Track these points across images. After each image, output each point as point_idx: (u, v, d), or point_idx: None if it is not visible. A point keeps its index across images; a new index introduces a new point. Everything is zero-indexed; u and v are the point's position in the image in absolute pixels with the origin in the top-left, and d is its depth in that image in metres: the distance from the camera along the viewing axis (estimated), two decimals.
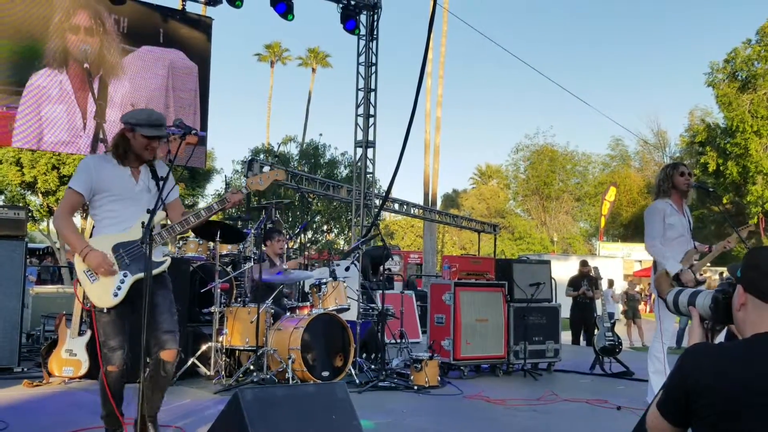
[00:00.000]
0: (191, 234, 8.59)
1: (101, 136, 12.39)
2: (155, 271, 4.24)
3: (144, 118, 4.35)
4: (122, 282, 4.28)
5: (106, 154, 4.50)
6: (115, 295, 4.27)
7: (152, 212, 4.13)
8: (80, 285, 4.36)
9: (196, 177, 27.10)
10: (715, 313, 2.13)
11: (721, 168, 32.80)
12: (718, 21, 71.27)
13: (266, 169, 4.78)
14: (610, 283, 17.29)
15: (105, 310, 4.29)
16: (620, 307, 17.76)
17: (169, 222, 4.51)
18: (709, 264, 6.30)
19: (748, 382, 1.87)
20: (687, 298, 2.26)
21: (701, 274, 5.96)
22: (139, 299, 4.08)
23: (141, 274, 4.20)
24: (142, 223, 4.07)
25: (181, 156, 4.56)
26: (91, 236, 4.50)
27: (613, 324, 9.71)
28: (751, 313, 2.01)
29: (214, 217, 5.17)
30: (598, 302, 11.97)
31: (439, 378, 7.67)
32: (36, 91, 11.78)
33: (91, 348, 7.18)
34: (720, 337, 2.24)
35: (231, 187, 30.39)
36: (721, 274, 19.76)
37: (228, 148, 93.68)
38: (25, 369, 7.75)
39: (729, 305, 2.08)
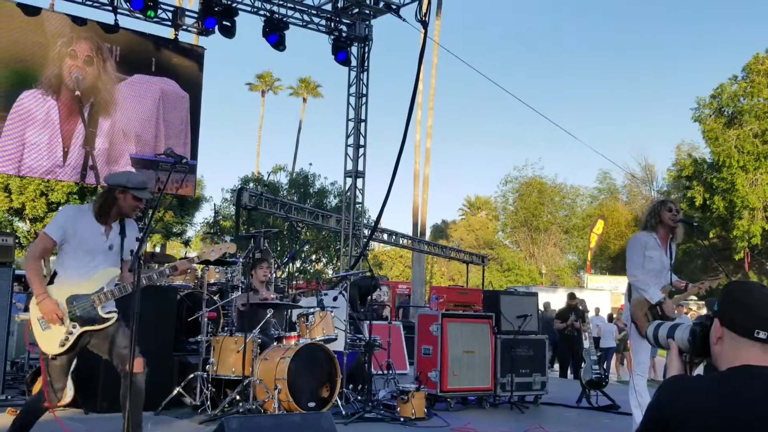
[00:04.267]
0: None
1: (91, 163, 12.40)
2: (100, 327, 4.66)
3: (136, 182, 4.72)
4: (70, 333, 4.61)
5: (86, 204, 4.89)
6: (62, 345, 4.59)
7: (141, 240, 4.38)
8: (32, 330, 4.65)
9: (185, 205, 27.07)
10: (693, 345, 2.16)
11: (707, 202, 33.02)
12: (705, 57, 72.28)
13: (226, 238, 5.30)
14: (610, 317, 17.23)
15: (52, 356, 4.60)
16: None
17: (122, 278, 4.82)
18: (695, 298, 6.36)
19: (724, 414, 1.90)
20: (666, 331, 2.29)
21: (685, 307, 6.00)
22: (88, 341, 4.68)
23: (88, 327, 4.63)
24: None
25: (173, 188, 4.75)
26: (52, 279, 4.76)
27: (600, 357, 9.71)
28: (727, 346, 2.04)
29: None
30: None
31: (425, 410, 7.64)
32: (23, 114, 11.78)
33: (76, 377, 7.13)
34: (699, 369, 2.28)
35: (220, 215, 30.39)
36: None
37: (218, 176, 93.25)
38: (9, 397, 7.66)
39: (707, 338, 2.11)
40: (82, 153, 12.33)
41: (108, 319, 4.67)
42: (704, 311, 17.24)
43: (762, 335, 1.98)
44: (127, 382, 4.52)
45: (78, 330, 4.61)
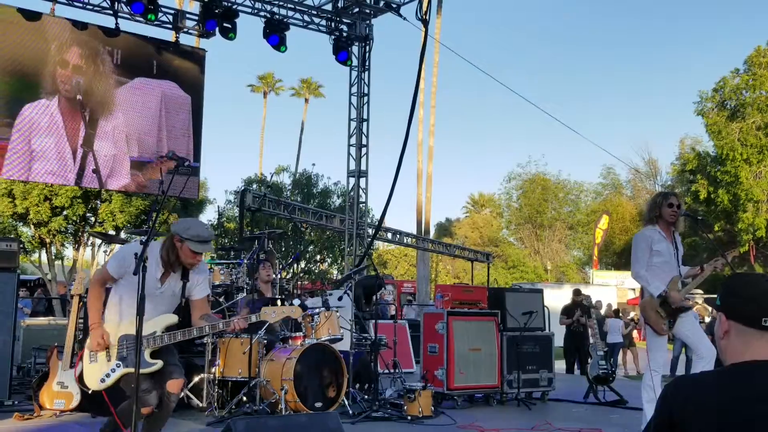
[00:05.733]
0: None
1: (93, 167, 12.40)
2: (142, 371, 4.46)
3: (194, 234, 4.58)
4: (113, 371, 4.58)
5: (156, 242, 4.74)
6: (102, 381, 4.59)
7: (145, 243, 4.37)
8: (83, 364, 4.67)
9: (188, 207, 27.07)
10: None
11: (711, 196, 32.96)
12: (707, 51, 72.14)
13: (291, 304, 5.11)
14: (616, 312, 17.18)
15: (91, 391, 4.65)
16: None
17: (194, 322, 4.78)
18: (701, 292, 6.32)
19: (727, 413, 1.89)
20: None
21: (691, 300, 5.97)
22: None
23: (131, 369, 4.44)
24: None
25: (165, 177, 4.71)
26: (105, 305, 4.78)
27: (606, 353, 9.70)
28: (734, 340, 2.03)
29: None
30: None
31: (432, 408, 7.64)
32: (27, 124, 11.82)
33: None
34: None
35: (223, 217, 30.39)
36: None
37: (221, 178, 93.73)
38: (16, 402, 7.68)
39: None
40: (87, 157, 12.35)
41: (152, 365, 4.57)
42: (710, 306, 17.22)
43: None
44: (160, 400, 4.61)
45: (120, 370, 4.56)
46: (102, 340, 4.53)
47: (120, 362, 4.57)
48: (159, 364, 4.59)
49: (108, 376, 4.57)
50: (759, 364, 1.96)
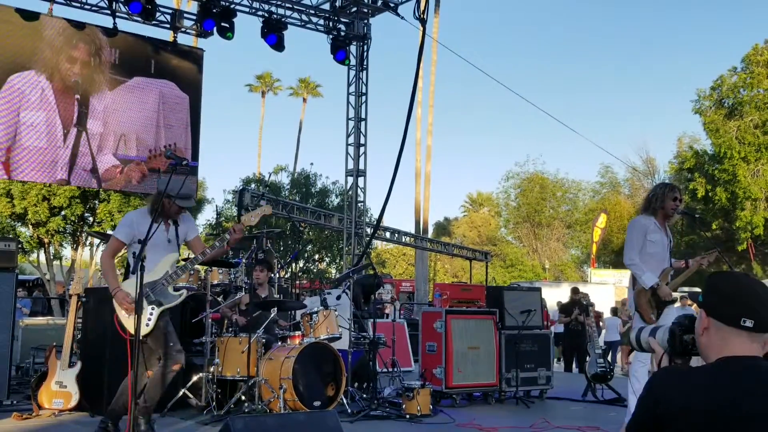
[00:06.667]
0: None
1: (92, 166, 12.38)
2: (174, 303, 5.57)
3: (178, 191, 5.48)
4: (151, 314, 5.41)
5: (145, 207, 5.72)
6: (147, 325, 5.37)
7: (143, 243, 4.83)
8: (120, 319, 5.45)
9: (187, 207, 27.07)
10: (672, 346, 2.16)
11: (709, 194, 32.96)
12: (705, 49, 72.14)
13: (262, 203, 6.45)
14: (614, 311, 17.19)
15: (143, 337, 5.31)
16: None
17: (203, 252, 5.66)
18: (699, 289, 6.35)
19: (716, 409, 1.90)
20: (647, 334, 2.30)
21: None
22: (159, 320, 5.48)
23: (164, 306, 5.48)
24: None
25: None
26: (126, 272, 5.79)
27: (605, 351, 9.71)
28: (713, 336, 2.04)
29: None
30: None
31: (431, 406, 7.64)
32: (15, 96, 11.71)
33: (82, 380, 7.15)
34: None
35: (222, 216, 30.42)
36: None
37: (219, 178, 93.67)
38: (15, 402, 7.68)
39: (685, 338, 2.12)
40: (74, 134, 12.28)
41: (178, 296, 5.53)
42: None
43: (748, 323, 1.98)
44: (162, 368, 5.49)
45: (157, 310, 5.42)
46: (125, 300, 5.32)
47: (153, 305, 5.41)
48: (183, 292, 5.57)
49: (149, 319, 5.38)
50: (746, 362, 1.97)
